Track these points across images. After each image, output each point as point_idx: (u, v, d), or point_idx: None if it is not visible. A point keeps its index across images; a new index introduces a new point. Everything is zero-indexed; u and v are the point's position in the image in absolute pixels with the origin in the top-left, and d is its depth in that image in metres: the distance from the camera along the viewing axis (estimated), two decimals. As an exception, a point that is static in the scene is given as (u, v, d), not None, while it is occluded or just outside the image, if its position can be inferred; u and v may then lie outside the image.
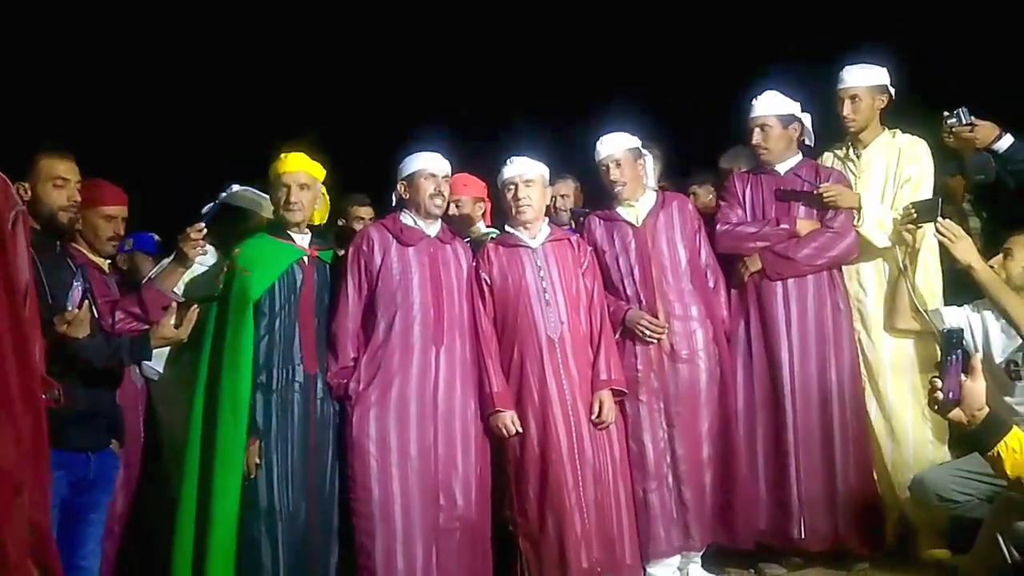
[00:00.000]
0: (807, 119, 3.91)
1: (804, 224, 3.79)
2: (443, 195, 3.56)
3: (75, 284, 2.89)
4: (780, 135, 3.85)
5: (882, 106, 3.85)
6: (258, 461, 3.17)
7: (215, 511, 3.08)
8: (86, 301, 2.85)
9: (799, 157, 3.93)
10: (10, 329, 1.62)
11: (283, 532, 3.14)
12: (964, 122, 3.55)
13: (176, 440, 3.43)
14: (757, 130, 3.85)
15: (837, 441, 3.67)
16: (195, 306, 3.21)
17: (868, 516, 3.67)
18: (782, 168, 3.90)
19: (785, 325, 3.74)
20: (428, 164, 3.54)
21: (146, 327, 3.16)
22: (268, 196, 3.54)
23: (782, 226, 3.80)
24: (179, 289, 3.48)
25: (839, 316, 3.76)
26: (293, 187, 3.35)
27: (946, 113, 3.58)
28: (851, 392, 3.72)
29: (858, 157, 3.90)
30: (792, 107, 3.87)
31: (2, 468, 1.59)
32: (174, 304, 3.22)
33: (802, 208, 3.84)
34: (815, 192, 3.75)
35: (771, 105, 3.84)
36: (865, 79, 3.82)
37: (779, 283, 3.76)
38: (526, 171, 3.60)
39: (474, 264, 3.61)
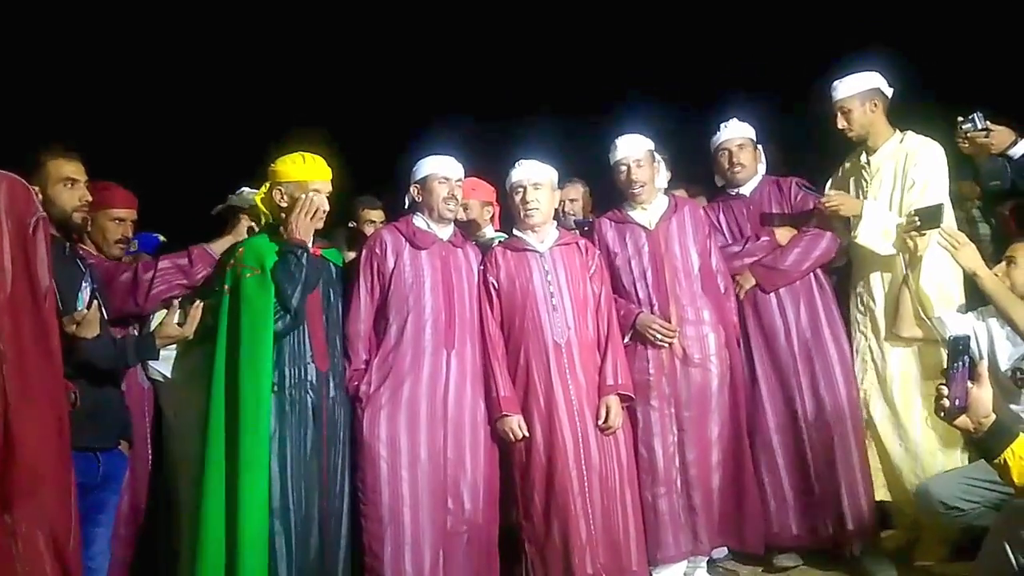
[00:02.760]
0: (760, 148, 4.15)
1: (783, 233, 3.97)
2: (456, 198, 3.63)
3: (84, 285, 2.97)
4: (752, 155, 4.09)
5: (876, 109, 3.90)
6: None
7: (244, 512, 3.09)
8: (95, 301, 2.93)
9: (760, 177, 4.13)
10: (34, 331, 1.68)
11: (296, 531, 3.19)
12: (979, 127, 3.56)
13: (183, 443, 3.48)
14: (735, 149, 4.05)
15: (848, 440, 3.77)
16: (199, 302, 3.28)
17: (867, 511, 3.76)
18: (747, 189, 4.10)
19: (785, 334, 3.88)
20: (441, 168, 3.61)
21: (182, 286, 3.30)
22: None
23: (763, 239, 3.98)
24: None
25: (832, 317, 3.90)
26: (323, 197, 3.37)
27: (961, 118, 3.59)
28: (847, 393, 3.81)
29: (868, 164, 3.97)
30: (753, 132, 4.11)
31: (26, 464, 1.65)
32: (176, 302, 3.30)
33: (777, 220, 4.02)
34: (819, 204, 3.87)
35: (741, 129, 4.06)
36: (851, 88, 3.89)
37: (774, 294, 3.91)
38: (535, 174, 3.66)
39: (481, 268, 3.66)
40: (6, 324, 1.69)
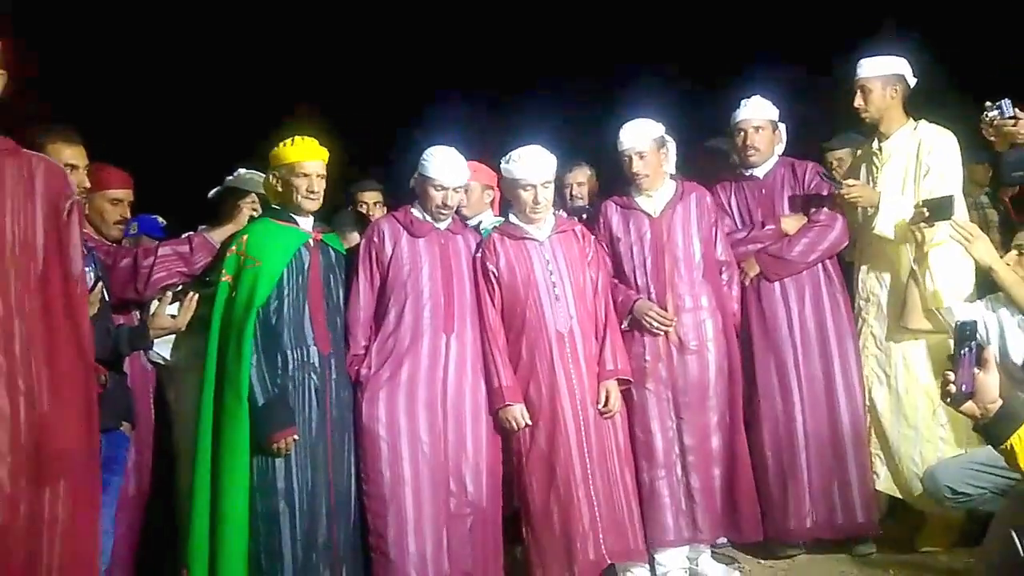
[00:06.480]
0: (782, 128, 4.13)
1: (789, 221, 3.99)
2: (449, 206, 3.63)
3: (86, 268, 2.99)
4: (770, 138, 4.07)
5: (895, 96, 3.92)
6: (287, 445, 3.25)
7: (225, 494, 3.19)
8: (99, 284, 2.95)
9: (776, 159, 4.12)
10: (65, 315, 1.70)
11: (300, 511, 3.26)
12: (1006, 115, 3.49)
13: (183, 424, 3.54)
14: (751, 131, 4.04)
15: (843, 433, 3.84)
16: (192, 294, 3.32)
17: (867, 500, 3.84)
18: (761, 172, 4.09)
19: (787, 324, 3.92)
20: (441, 175, 3.57)
21: (182, 274, 3.35)
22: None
23: (768, 227, 4.00)
24: None
25: (837, 310, 3.93)
26: (313, 177, 3.42)
27: (988, 104, 3.53)
28: (846, 387, 3.87)
29: (879, 150, 3.98)
30: (775, 113, 4.08)
31: (57, 445, 1.67)
32: (170, 293, 3.34)
33: (786, 206, 4.04)
34: (837, 192, 3.87)
35: (762, 109, 4.04)
36: (875, 69, 3.91)
37: (777, 283, 3.94)
38: (544, 172, 3.64)
39: (479, 255, 3.68)
40: (36, 305, 1.71)
